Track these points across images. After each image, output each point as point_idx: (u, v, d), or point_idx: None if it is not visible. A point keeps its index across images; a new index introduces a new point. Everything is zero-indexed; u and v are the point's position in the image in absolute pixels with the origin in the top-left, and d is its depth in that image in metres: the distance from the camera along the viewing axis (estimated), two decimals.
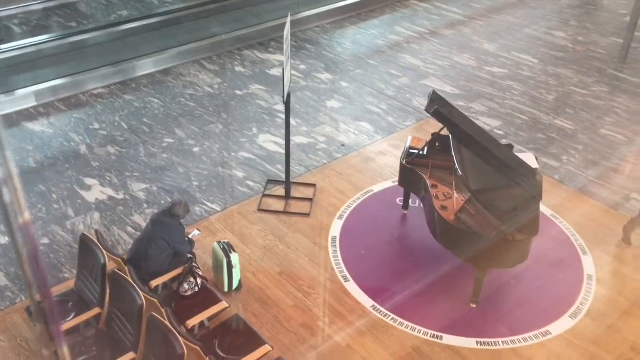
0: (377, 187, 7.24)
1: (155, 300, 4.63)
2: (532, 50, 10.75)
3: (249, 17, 11.49)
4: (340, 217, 6.77)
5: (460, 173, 5.41)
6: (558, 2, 12.95)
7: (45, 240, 6.37)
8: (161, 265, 5.30)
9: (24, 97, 8.83)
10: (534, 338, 5.40)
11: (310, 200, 6.98)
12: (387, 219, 6.78)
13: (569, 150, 8.03)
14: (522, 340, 5.37)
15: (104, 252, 4.96)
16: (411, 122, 8.59)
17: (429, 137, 6.35)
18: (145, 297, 4.58)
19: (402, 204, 6.83)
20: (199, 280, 5.27)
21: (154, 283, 5.19)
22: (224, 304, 5.04)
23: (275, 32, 11.06)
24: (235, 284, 5.72)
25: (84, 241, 5.12)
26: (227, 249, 5.63)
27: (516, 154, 6.00)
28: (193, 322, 4.86)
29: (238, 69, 10.04)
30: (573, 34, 11.42)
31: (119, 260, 5.08)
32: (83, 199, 6.97)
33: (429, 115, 5.77)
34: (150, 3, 12.42)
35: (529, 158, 6.16)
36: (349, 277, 6.00)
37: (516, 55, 10.60)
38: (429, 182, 5.95)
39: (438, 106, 5.52)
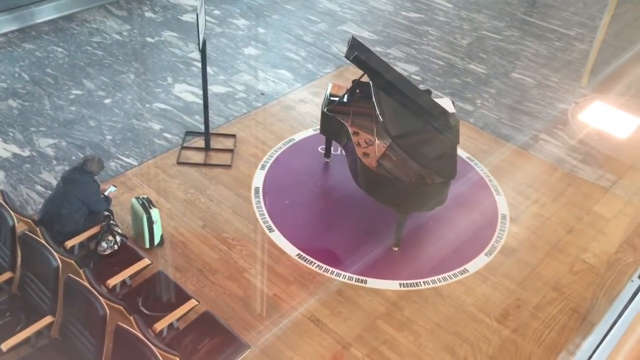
0: (299, 136, 7.18)
1: (72, 261, 4.42)
2: None
3: None
4: (263, 167, 6.69)
5: (381, 119, 5.44)
6: None
7: None
8: (76, 225, 5.05)
9: None
10: (452, 277, 5.63)
11: (231, 151, 6.83)
12: (309, 167, 6.76)
13: (482, 94, 8.25)
14: (442, 280, 5.59)
15: (12, 213, 4.66)
16: (331, 68, 8.51)
17: (349, 84, 6.32)
18: (60, 258, 4.36)
19: (324, 152, 6.82)
20: (118, 238, 5.08)
21: (69, 243, 4.95)
22: (145, 261, 4.90)
23: None
24: (156, 240, 5.56)
25: None
26: (147, 204, 5.44)
27: (434, 99, 6.09)
28: (114, 281, 4.70)
29: (148, 14, 9.52)
30: None
31: (29, 221, 4.78)
32: None
33: (348, 61, 5.71)
34: None
35: (446, 103, 6.28)
36: (273, 227, 5.97)
37: None
38: (350, 130, 5.95)
39: (358, 53, 5.47)
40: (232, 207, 6.15)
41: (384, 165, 5.55)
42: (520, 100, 8.19)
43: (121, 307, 4.11)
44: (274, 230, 5.93)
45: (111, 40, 8.75)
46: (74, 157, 6.56)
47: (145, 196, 5.55)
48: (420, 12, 10.24)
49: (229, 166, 6.64)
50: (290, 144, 7.06)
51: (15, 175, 6.30)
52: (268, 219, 6.06)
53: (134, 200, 5.49)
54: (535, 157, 7.14)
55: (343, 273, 5.57)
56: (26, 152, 6.61)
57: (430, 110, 5.63)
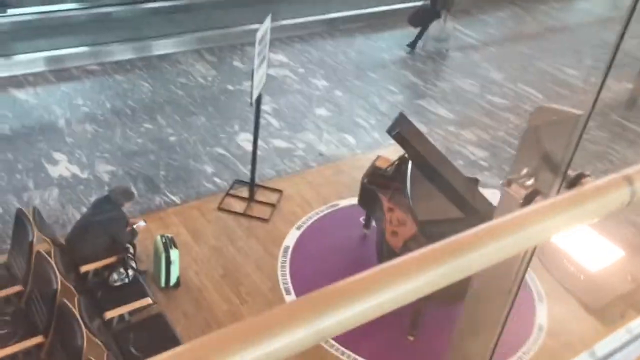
0: (344, 202, 7.06)
1: (71, 287, 4.53)
2: (538, 84, 10.47)
3: (262, 13, 11.30)
4: (299, 228, 6.62)
5: (410, 202, 5.23)
6: (578, 39, 12.63)
7: None
8: (95, 252, 5.20)
9: (18, 63, 8.86)
10: None
11: (273, 205, 6.84)
12: (346, 236, 6.61)
13: None
14: None
15: (35, 230, 4.88)
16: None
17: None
18: (62, 282, 4.48)
19: (364, 222, 6.66)
20: (130, 272, 5.16)
21: (84, 268, 5.11)
22: (147, 300, 4.93)
23: (283, 32, 10.94)
24: (172, 281, 5.60)
25: (19, 216, 5.06)
26: (168, 243, 5.52)
27: (482, 189, 5.81)
28: (112, 314, 4.76)
29: (236, 63, 9.95)
30: (586, 73, 11.10)
31: (48, 240, 4.99)
32: (47, 173, 6.93)
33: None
34: None
35: (495, 195, 5.94)
36: (291, 290, 5.84)
37: (522, 87, 10.34)
38: (386, 205, 5.77)
39: (400, 129, 5.35)
40: (257, 261, 6.10)
41: (410, 249, 5.29)
42: None
43: (99, 342, 4.13)
44: (290, 294, 5.80)
45: (195, 83, 9.20)
46: None
47: (169, 235, 5.64)
48: (506, 98, 9.95)
49: (266, 220, 6.63)
50: (333, 209, 6.96)
51: (67, 195, 6.66)
52: (289, 280, 5.95)
53: (157, 238, 5.60)
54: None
55: (348, 353, 5.30)
56: (84, 175, 6.99)
57: (469, 200, 5.35)
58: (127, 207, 5.39)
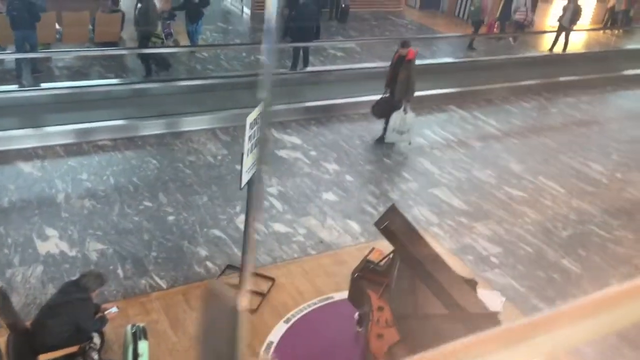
0: (339, 295, 6.63)
1: None
2: (561, 179, 10.03)
3: (287, 95, 11.29)
4: (287, 321, 6.20)
5: (392, 294, 4.81)
6: (606, 134, 12.22)
7: None
8: (57, 339, 4.88)
9: (31, 136, 8.96)
10: None
11: (263, 295, 6.46)
12: (337, 333, 6.14)
13: (567, 295, 7.17)
14: None
15: None
16: None
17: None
18: None
19: (357, 319, 6.19)
20: None
21: (42, 357, 4.78)
22: None
23: (301, 114, 10.97)
24: None
25: None
26: (138, 334, 5.17)
27: (481, 290, 5.34)
28: None
29: None
30: (612, 169, 10.63)
31: (4, 325, 4.72)
32: (35, 249, 6.75)
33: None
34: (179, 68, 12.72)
35: (492, 297, 5.46)
36: None
37: (542, 180, 9.91)
38: (375, 303, 5.33)
39: (389, 223, 5.00)
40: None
41: (395, 355, 4.81)
42: None
43: None
44: None
45: (203, 162, 9.10)
46: (111, 267, 6.60)
47: (141, 325, 5.29)
48: (525, 191, 9.51)
49: (253, 311, 6.24)
50: (327, 302, 6.53)
51: (50, 273, 6.44)
52: None
53: (127, 328, 5.26)
54: None
55: None
56: (73, 252, 6.79)
57: (459, 301, 4.89)
58: (96, 294, 5.10)
